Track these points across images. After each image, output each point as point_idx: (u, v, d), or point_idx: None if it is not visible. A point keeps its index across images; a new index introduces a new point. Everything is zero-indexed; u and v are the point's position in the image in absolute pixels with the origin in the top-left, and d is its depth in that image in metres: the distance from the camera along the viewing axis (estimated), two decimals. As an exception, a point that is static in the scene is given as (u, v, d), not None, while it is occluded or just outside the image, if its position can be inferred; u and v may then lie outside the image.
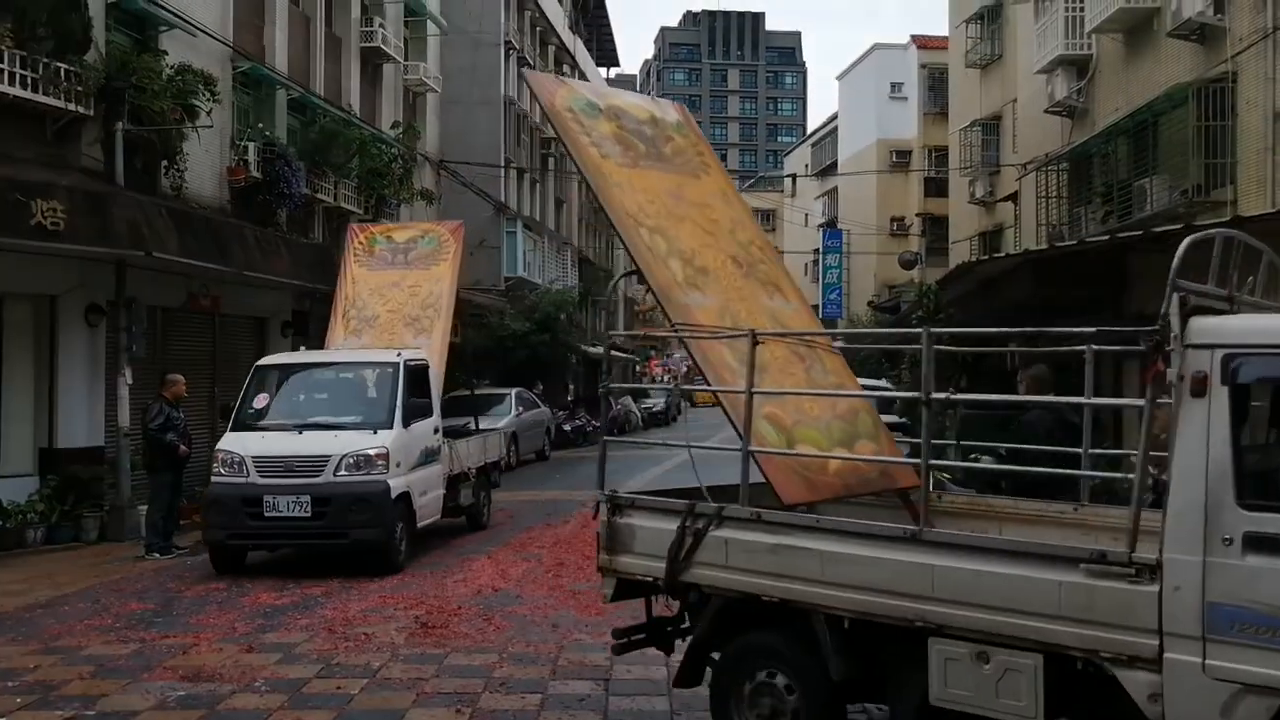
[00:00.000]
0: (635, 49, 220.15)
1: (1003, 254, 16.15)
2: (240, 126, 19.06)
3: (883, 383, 21.46)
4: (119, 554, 13.19)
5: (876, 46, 51.13)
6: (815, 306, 58.56)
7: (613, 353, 53.59)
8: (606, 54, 62.32)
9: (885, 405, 18.92)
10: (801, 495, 5.98)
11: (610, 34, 61.25)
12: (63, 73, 13.94)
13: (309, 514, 11.37)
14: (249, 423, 12.35)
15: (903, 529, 5.23)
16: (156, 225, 14.87)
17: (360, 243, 15.20)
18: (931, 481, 12.06)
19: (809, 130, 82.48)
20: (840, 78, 56.54)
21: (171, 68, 15.98)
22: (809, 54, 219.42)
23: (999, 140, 28.98)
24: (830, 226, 56.19)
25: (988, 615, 4.69)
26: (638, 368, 69.47)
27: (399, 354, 12.82)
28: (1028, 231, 24.99)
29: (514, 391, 26.20)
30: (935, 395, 5.19)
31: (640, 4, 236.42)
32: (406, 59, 27.90)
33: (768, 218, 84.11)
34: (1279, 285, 5.58)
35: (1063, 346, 7.23)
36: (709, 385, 6.48)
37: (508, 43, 37.06)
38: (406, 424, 12.28)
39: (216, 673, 7.67)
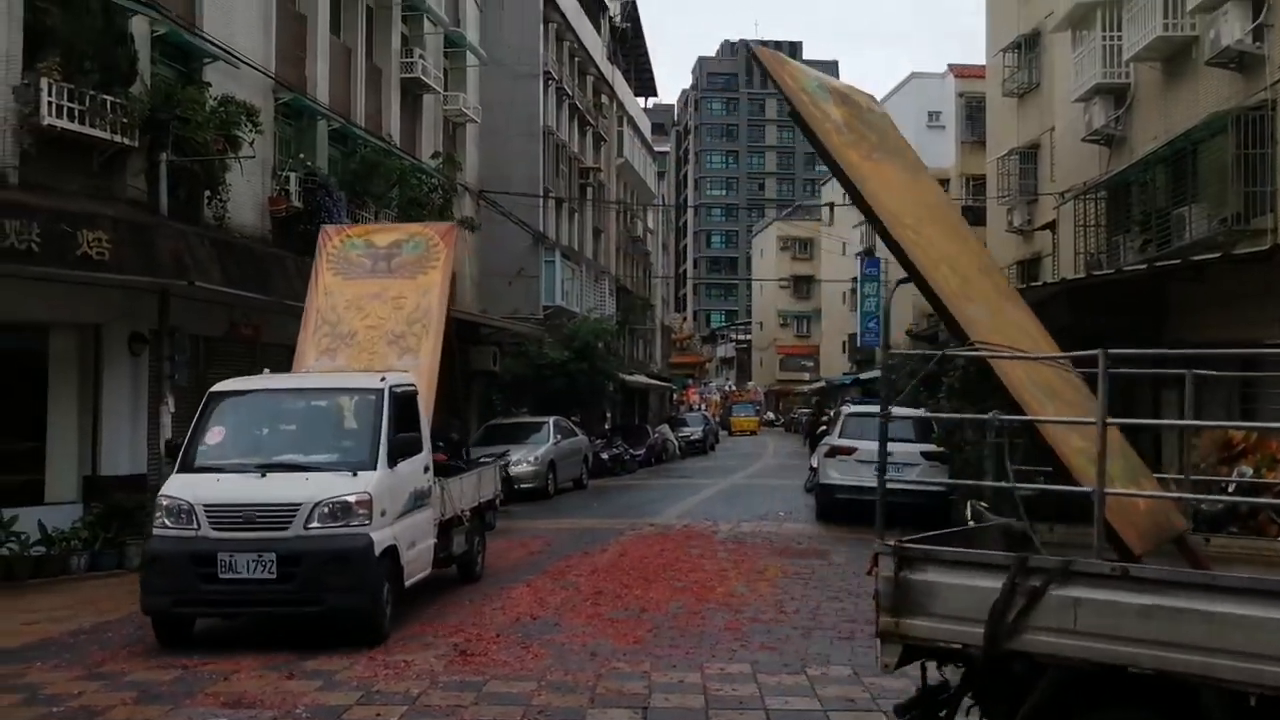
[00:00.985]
0: (673, 79, 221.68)
1: (1040, 282, 16.05)
2: (282, 157, 19.33)
3: (921, 411, 21.31)
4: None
5: (914, 75, 51.14)
6: (852, 335, 58.43)
7: (652, 381, 53.68)
8: (645, 84, 62.76)
9: (924, 434, 18.88)
10: (1142, 544, 5.21)
11: (648, 64, 61.70)
12: (109, 105, 14.20)
13: (274, 575, 9.25)
14: (201, 463, 10.06)
15: None
16: (199, 255, 15.10)
17: (335, 247, 13.01)
18: (970, 510, 11.99)
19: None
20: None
21: (215, 99, 16.25)
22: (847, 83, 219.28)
23: (1037, 169, 28.85)
24: (868, 255, 56.04)
25: None
26: (674, 396, 69.48)
27: (383, 378, 10.76)
28: (1066, 260, 24.83)
29: (552, 420, 26.26)
30: (1110, 420, 4.77)
31: (678, 34, 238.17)
32: (446, 89, 28.20)
33: (806, 246, 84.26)
34: None
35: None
36: (1016, 414, 5.55)
37: (546, 73, 37.39)
38: (393, 463, 10.14)
39: (258, 699, 7.71)
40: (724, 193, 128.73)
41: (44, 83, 13.33)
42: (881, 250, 53.17)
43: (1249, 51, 16.13)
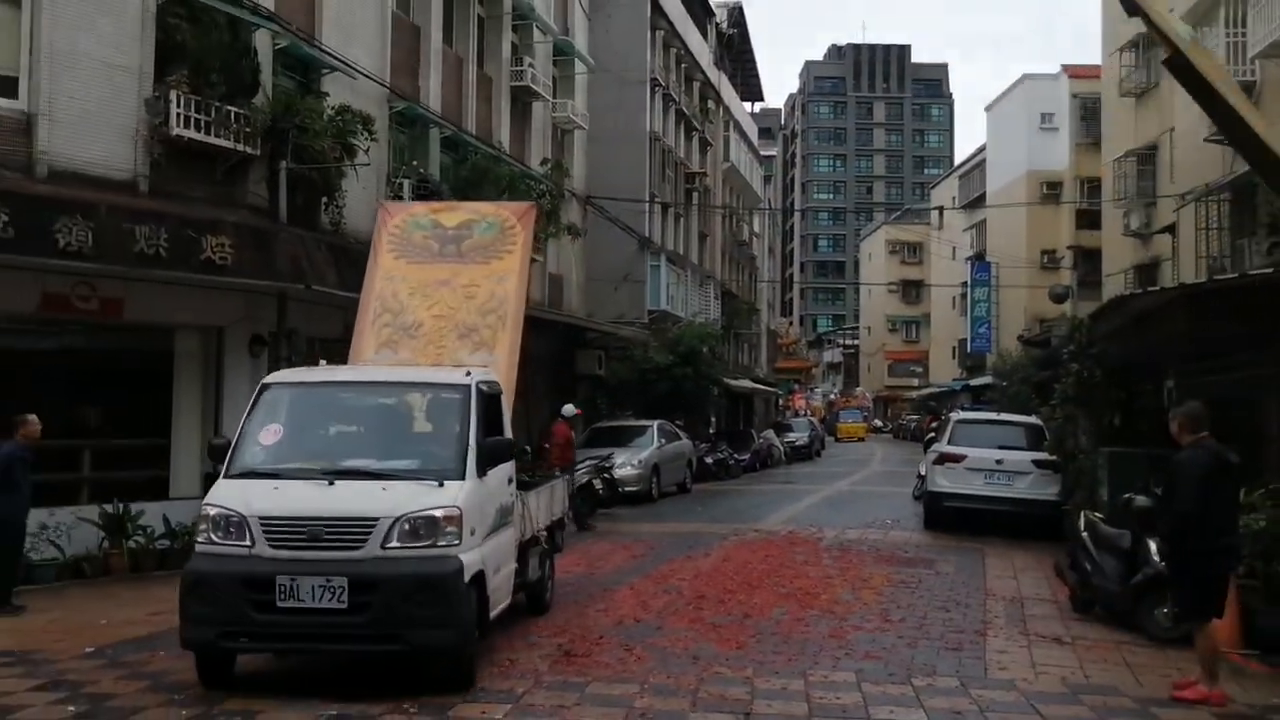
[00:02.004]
0: (779, 83, 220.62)
1: (1158, 287, 15.59)
2: (396, 164, 19.77)
3: (1034, 420, 20.88)
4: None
5: (1026, 77, 50.12)
6: (962, 340, 57.45)
7: (757, 386, 53.51)
8: (751, 89, 62.63)
9: (1035, 442, 18.50)
10: None
11: (755, 69, 61.57)
12: (233, 115, 14.71)
13: (344, 605, 7.61)
14: (253, 467, 8.47)
15: None
16: (316, 259, 15.54)
17: (397, 226, 11.50)
18: (1084, 521, 11.70)
19: (956, 162, 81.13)
20: (989, 109, 55.56)
21: (332, 109, 16.71)
22: (956, 86, 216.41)
23: (1155, 170, 28.06)
24: (979, 259, 55.10)
25: None
26: (780, 401, 69.14)
27: (468, 373, 9.27)
28: (1186, 264, 24.08)
29: (656, 424, 26.37)
30: None
31: (785, 38, 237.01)
32: (555, 97, 28.53)
33: (914, 250, 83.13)
34: None
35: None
36: None
37: (653, 80, 37.58)
38: (482, 472, 8.63)
39: (367, 691, 7.89)
40: (831, 196, 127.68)
41: (173, 95, 13.92)
42: (992, 253, 52.28)
43: (1384, 47, 15.48)
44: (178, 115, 13.93)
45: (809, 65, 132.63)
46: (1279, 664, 9.10)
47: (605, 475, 20.53)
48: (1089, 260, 39.07)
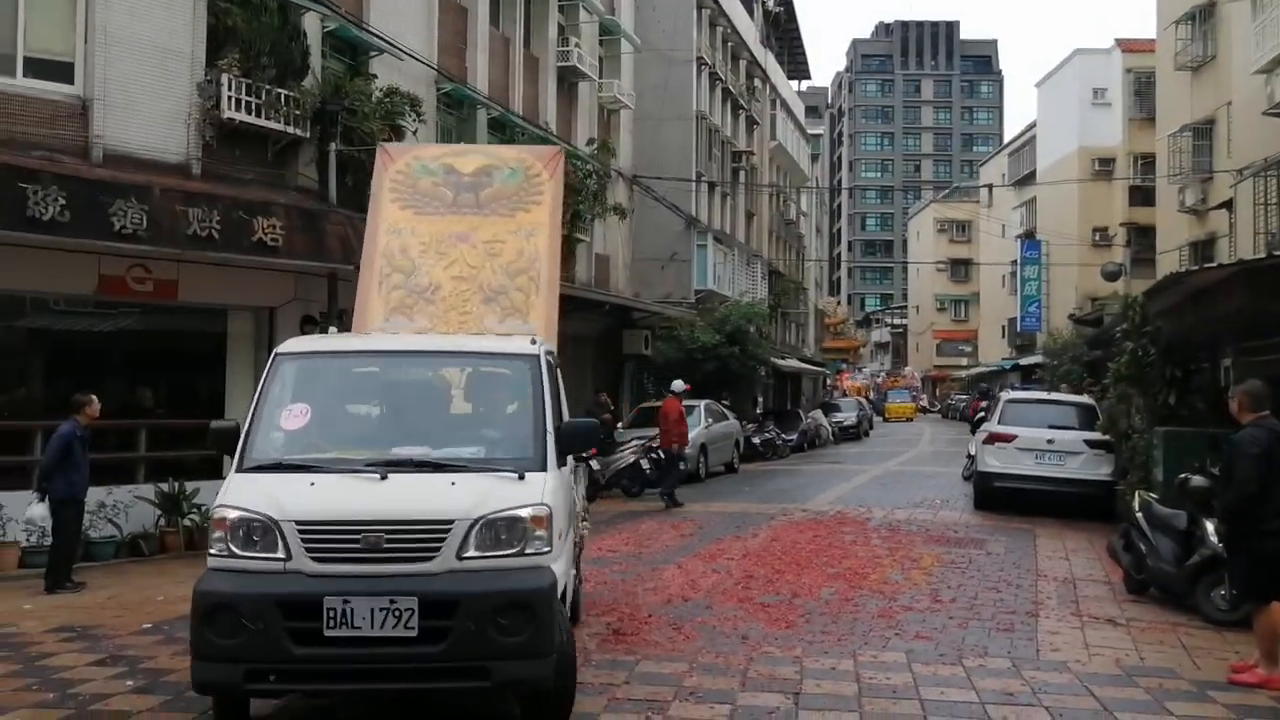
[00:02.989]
0: (826, 61, 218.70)
1: (1215, 264, 15.33)
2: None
3: (1085, 399, 20.63)
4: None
5: (1078, 51, 49.34)
6: (1012, 319, 56.85)
7: (805, 365, 53.33)
8: (798, 67, 62.18)
9: (1087, 422, 18.28)
10: None
11: (801, 47, 61.08)
12: (282, 98, 14.83)
13: (413, 632, 5.93)
14: (278, 458, 6.66)
15: None
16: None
17: (400, 172, 9.69)
18: (1138, 501, 11.57)
19: (1005, 140, 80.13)
20: (1039, 85, 54.78)
21: (380, 90, 16.80)
22: (1005, 62, 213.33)
23: (1212, 145, 27.54)
24: (1029, 237, 54.46)
25: None
26: (828, 381, 68.83)
27: (534, 340, 7.68)
28: (1244, 240, 23.65)
29: (703, 403, 26.32)
30: None
31: (832, 16, 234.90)
32: (601, 77, 28.50)
33: (963, 228, 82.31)
34: None
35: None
36: None
37: (699, 58, 37.40)
38: (562, 461, 7.11)
39: None
40: (879, 175, 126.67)
41: (224, 79, 14.09)
42: (1042, 231, 51.63)
43: None
44: (229, 98, 14.10)
45: (856, 43, 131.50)
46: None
47: (653, 455, 20.56)
48: (1142, 237, 38.56)
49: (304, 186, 15.66)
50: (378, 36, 17.26)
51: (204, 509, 14.14)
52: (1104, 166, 45.66)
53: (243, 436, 6.78)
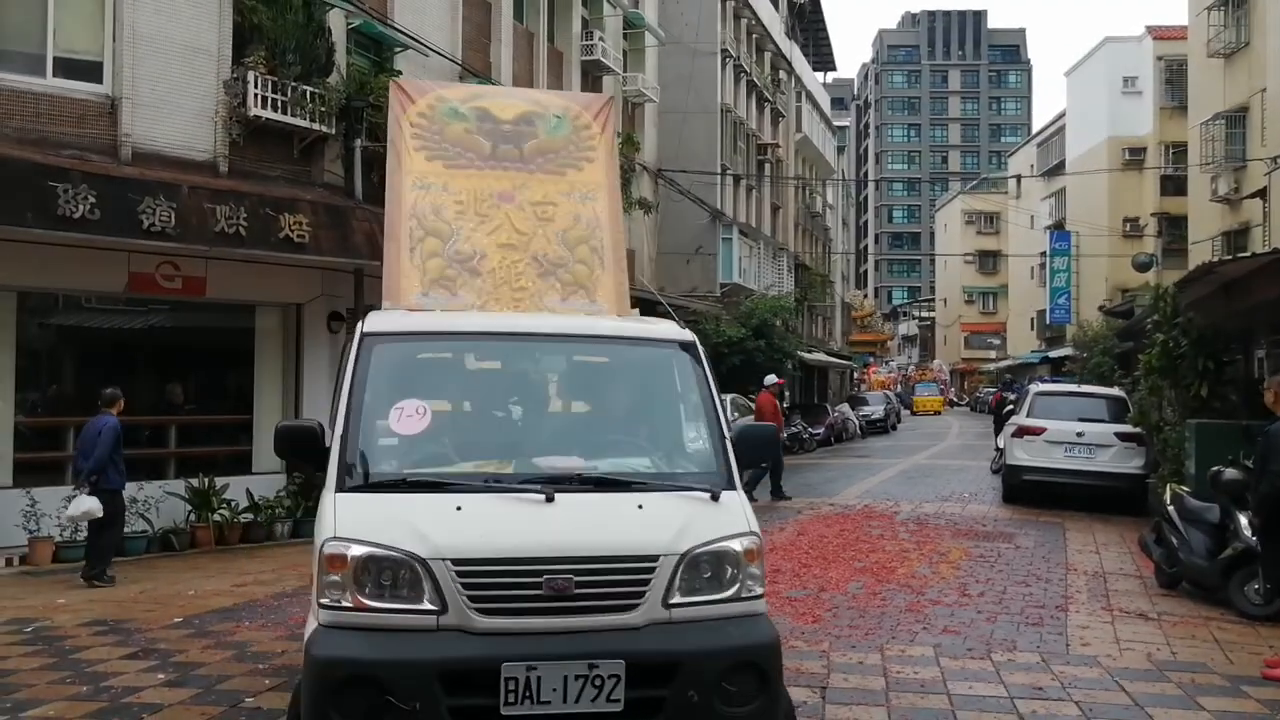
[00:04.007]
0: (853, 52, 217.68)
1: (1249, 254, 15.14)
2: (468, 141, 19.86)
3: (1116, 391, 20.45)
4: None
5: (1108, 40, 48.90)
6: (1041, 311, 56.46)
7: (831, 359, 53.15)
8: (823, 59, 61.96)
9: (1119, 414, 18.12)
10: None
11: (826, 38, 60.86)
12: (308, 95, 14.89)
13: (619, 704, 4.53)
14: (399, 473, 5.09)
15: None
16: (391, 237, 15.70)
17: (421, 115, 7.90)
18: (1169, 494, 11.45)
19: (1034, 130, 79.57)
20: (1068, 74, 54.32)
21: (406, 87, 16.82)
22: (1034, 51, 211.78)
23: (1245, 133, 27.23)
24: (1058, 228, 54.03)
25: None
26: (855, 374, 68.59)
27: (683, 325, 6.44)
28: (1278, 230, 23.38)
29: (729, 397, 26.30)
30: None
31: (858, 7, 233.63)
32: (625, 70, 28.45)
33: (991, 220, 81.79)
34: None
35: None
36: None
37: (724, 51, 37.30)
38: (742, 475, 5.54)
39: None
40: (906, 166, 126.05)
41: (251, 76, 14.16)
42: (1072, 222, 51.22)
43: None
44: (255, 96, 14.17)
45: (882, 34, 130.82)
46: (1376, 641, 8.83)
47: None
48: (1174, 227, 38.20)
49: (330, 183, 15.73)
50: (402, 32, 17.30)
51: (234, 505, 14.25)
52: (1135, 156, 45.25)
53: (338, 441, 5.08)
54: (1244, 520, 9.65)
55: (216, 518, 14.04)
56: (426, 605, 4.51)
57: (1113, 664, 8.11)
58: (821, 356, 49.33)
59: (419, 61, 17.73)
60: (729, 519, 5.04)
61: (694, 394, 5.79)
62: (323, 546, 4.62)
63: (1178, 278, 16.72)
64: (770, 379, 21.35)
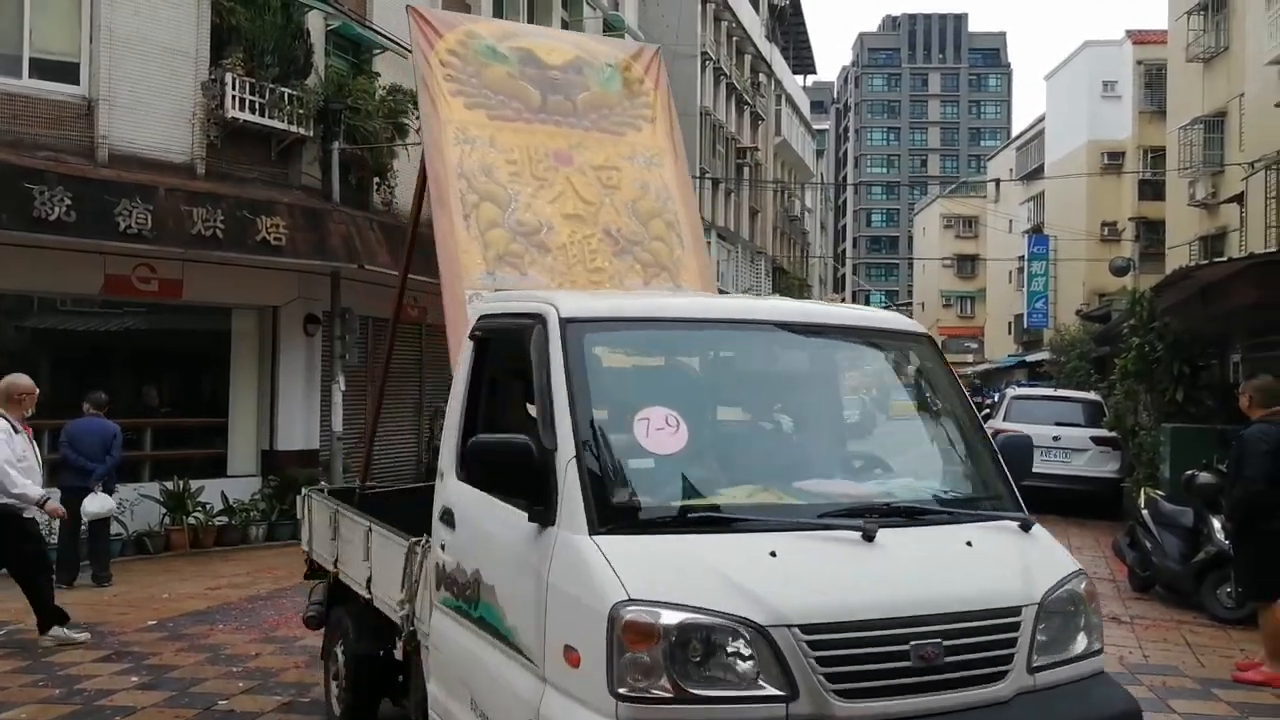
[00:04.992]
0: (833, 56, 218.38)
1: (1225, 259, 15.26)
2: (447, 143, 19.84)
3: (1092, 396, 20.56)
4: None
5: (1087, 44, 49.16)
6: (1018, 315, 56.74)
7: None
8: (803, 62, 62.12)
9: (1095, 418, 18.23)
10: None
11: (807, 41, 61.04)
12: (286, 97, 14.83)
13: None
14: (675, 503, 3.82)
15: None
16: (368, 239, 15.64)
17: (452, 52, 6.69)
18: (1144, 498, 11.52)
19: (1014, 134, 79.96)
20: (1048, 77, 54.60)
21: (384, 89, 16.80)
22: (1014, 55, 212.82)
23: (1223, 138, 27.39)
24: (1036, 232, 54.28)
25: None
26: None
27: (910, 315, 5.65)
28: (1255, 235, 23.53)
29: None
30: None
31: (838, 10, 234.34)
32: (605, 73, 28.43)
33: (970, 224, 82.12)
34: None
35: None
36: None
37: (704, 53, 37.34)
38: None
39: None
40: (885, 170, 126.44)
41: (228, 78, 14.09)
42: (1050, 226, 51.46)
43: None
44: (233, 98, 14.09)
45: (862, 37, 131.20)
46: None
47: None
48: (1152, 232, 38.42)
49: (307, 185, 15.65)
50: (381, 34, 17.23)
51: (209, 508, 14.17)
52: (1113, 160, 45.49)
53: (571, 464, 3.73)
54: (1217, 524, 9.72)
55: (191, 521, 13.94)
56: (770, 689, 3.33)
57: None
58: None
59: (398, 63, 17.64)
60: (1054, 555, 4.18)
61: (949, 397, 4.76)
62: (618, 614, 3.30)
63: (1155, 282, 16.85)
64: None
